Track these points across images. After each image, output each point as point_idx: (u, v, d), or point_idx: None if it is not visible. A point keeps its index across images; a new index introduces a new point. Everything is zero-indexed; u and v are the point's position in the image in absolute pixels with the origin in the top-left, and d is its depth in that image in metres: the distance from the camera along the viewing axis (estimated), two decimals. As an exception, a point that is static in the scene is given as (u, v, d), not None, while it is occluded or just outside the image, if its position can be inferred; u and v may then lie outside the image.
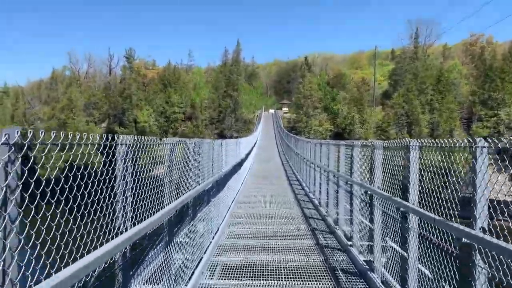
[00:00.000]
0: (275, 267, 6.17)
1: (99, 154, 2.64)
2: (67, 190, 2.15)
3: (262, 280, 5.64)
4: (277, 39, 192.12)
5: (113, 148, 2.74)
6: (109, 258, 2.37)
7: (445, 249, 3.52)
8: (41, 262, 1.88)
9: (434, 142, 3.45)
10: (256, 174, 21.49)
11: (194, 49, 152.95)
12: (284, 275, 5.85)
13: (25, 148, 1.77)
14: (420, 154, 3.98)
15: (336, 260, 6.53)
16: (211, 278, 5.78)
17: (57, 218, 2.03)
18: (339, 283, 5.49)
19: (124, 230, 2.83)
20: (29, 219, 1.78)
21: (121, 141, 2.91)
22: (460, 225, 2.87)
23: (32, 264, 1.79)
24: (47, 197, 1.98)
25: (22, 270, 1.72)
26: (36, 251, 1.83)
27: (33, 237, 1.85)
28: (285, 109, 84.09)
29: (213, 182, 7.02)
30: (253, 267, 6.19)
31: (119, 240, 2.53)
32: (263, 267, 6.18)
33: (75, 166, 2.42)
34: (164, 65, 76.49)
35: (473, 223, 2.77)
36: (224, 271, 6.06)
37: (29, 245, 1.78)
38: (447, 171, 3.40)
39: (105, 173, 2.67)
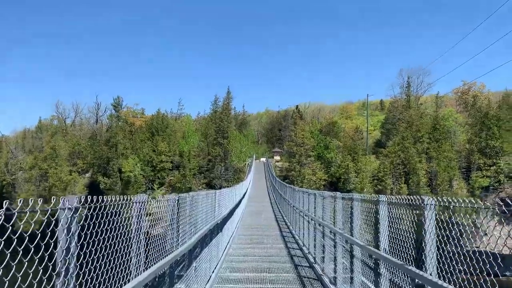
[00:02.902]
0: None
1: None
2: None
3: None
4: (268, 91, 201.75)
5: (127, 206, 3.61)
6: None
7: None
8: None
9: (394, 198, 4.36)
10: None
11: (185, 100, 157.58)
12: None
13: (79, 209, 2.61)
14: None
15: None
16: None
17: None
18: None
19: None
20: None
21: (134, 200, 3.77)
22: (415, 268, 3.69)
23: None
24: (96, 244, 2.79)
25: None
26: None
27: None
28: (277, 157, 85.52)
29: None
30: None
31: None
32: None
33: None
34: (152, 113, 78.69)
35: (424, 267, 3.59)
36: None
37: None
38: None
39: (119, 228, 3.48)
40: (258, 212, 30.15)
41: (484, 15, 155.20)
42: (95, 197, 2.78)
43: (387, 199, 4.81)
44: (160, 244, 4.64)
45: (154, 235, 4.49)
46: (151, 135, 68.16)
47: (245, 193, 34.31)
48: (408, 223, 4.32)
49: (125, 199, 3.47)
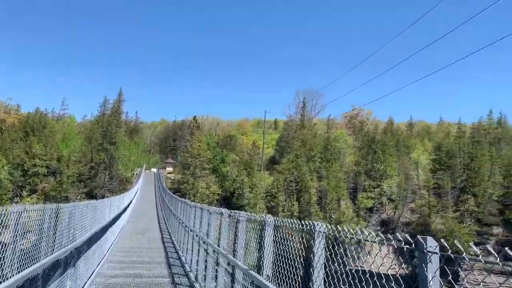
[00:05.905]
0: None
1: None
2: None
3: None
4: (164, 101, 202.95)
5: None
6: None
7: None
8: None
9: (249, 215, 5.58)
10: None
11: (71, 103, 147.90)
12: None
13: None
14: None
15: None
16: None
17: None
18: None
19: None
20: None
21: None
22: (254, 273, 4.88)
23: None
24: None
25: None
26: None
27: None
28: (169, 168, 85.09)
29: None
30: None
31: None
32: None
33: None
34: (29, 111, 73.00)
35: (261, 271, 4.79)
36: None
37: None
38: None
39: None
40: (142, 230, 27.27)
41: (374, 47, 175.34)
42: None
43: (245, 216, 6.02)
44: None
45: None
46: (25, 134, 63.23)
47: (128, 206, 31.73)
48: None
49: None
